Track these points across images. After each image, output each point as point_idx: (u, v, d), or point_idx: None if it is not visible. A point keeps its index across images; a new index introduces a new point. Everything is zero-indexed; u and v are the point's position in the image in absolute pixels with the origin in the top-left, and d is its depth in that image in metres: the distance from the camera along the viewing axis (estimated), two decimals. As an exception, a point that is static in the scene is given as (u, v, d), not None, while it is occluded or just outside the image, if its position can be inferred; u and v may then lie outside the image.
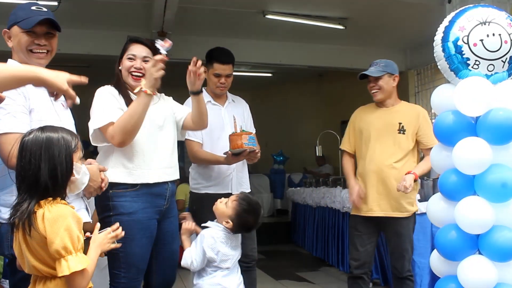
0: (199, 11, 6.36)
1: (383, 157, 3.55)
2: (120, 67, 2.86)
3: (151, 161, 2.77)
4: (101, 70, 5.85)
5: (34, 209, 1.88)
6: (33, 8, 2.43)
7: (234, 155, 3.36)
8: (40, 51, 2.42)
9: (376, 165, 3.57)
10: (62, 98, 2.55)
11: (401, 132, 3.55)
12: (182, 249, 7.14)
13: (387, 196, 3.53)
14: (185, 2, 5.79)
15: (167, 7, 5.66)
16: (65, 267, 1.83)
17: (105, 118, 2.66)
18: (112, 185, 2.63)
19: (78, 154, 2.04)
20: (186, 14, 6.21)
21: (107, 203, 2.66)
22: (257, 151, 3.40)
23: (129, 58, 2.84)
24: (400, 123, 3.57)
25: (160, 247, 2.83)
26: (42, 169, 1.90)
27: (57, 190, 1.93)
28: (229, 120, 3.64)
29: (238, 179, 3.62)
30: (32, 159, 1.92)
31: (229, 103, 3.78)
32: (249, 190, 3.73)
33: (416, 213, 3.59)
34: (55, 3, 5.44)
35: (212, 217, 3.33)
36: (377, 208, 3.55)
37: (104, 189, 2.52)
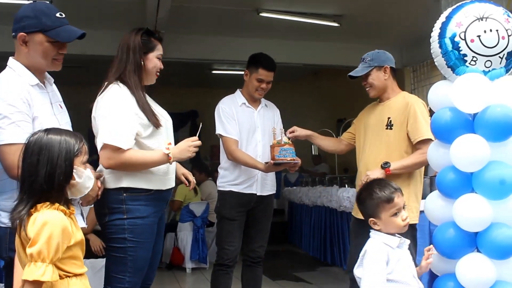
0: (193, 9, 6.35)
1: (371, 156, 3.40)
2: (141, 61, 2.76)
3: (172, 168, 2.82)
4: (95, 71, 5.85)
5: (30, 212, 1.88)
6: (58, 15, 2.40)
7: (275, 165, 3.53)
8: (60, 57, 2.44)
9: (364, 165, 3.43)
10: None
11: (388, 127, 3.36)
12: (176, 250, 7.11)
13: None
14: (178, 0, 5.78)
15: (160, 6, 5.65)
16: (26, 272, 1.82)
17: (121, 140, 2.57)
18: (125, 189, 2.63)
19: (81, 158, 2.04)
20: (179, 12, 6.20)
21: (120, 206, 2.63)
22: (292, 163, 3.55)
23: (158, 58, 2.82)
24: (388, 118, 3.37)
25: None
26: (40, 171, 1.91)
27: (54, 193, 1.93)
28: (260, 124, 3.80)
29: (262, 181, 3.76)
30: (32, 160, 1.92)
31: (262, 107, 3.90)
32: (273, 192, 3.90)
33: (413, 223, 3.28)
34: (47, 2, 5.43)
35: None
36: None
37: (99, 197, 2.53)
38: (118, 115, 2.60)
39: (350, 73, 3.49)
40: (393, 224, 2.44)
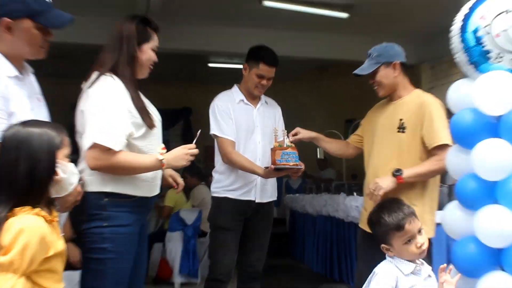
0: (189, -5, 6.35)
1: (380, 162, 3.37)
2: (135, 53, 2.74)
3: (160, 174, 2.83)
4: (78, 61, 5.85)
5: (7, 215, 1.87)
6: None
7: (276, 170, 3.48)
8: (46, 45, 2.43)
9: (373, 172, 3.41)
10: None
11: (401, 130, 3.31)
12: (164, 263, 7.10)
13: None
14: (172, -15, 5.79)
15: (152, -9, 5.65)
16: None
17: (113, 140, 2.55)
18: (108, 194, 2.62)
19: (64, 151, 2.03)
20: (173, -1, 6.20)
21: (100, 212, 2.60)
22: (295, 169, 3.52)
23: (153, 50, 2.82)
24: (400, 120, 3.33)
25: None
26: (20, 167, 1.90)
27: (36, 192, 1.91)
28: (260, 123, 3.80)
29: (261, 186, 3.76)
30: (10, 157, 1.91)
31: (262, 104, 3.91)
32: (274, 199, 3.91)
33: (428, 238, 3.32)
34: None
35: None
36: None
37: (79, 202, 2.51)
38: (112, 112, 2.58)
39: (355, 71, 3.47)
40: (407, 252, 2.43)
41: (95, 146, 2.53)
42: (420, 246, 2.42)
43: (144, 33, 2.79)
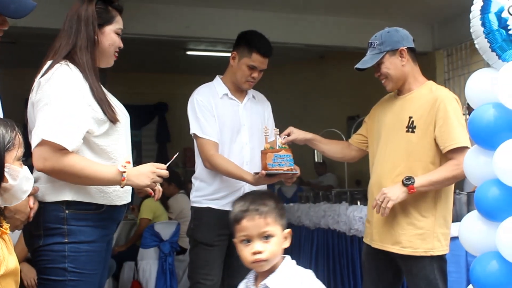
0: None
1: (387, 167, 3.39)
2: (95, 36, 2.75)
3: None
4: (31, 47, 5.83)
5: None
6: None
7: (267, 176, 3.47)
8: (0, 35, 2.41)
9: (377, 179, 3.44)
10: None
11: (410, 130, 3.33)
12: (136, 284, 7.09)
13: (387, 223, 3.34)
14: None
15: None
16: None
17: (67, 137, 2.52)
18: (69, 204, 2.60)
19: (14, 153, 2.01)
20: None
21: (59, 226, 2.59)
22: (289, 174, 3.52)
23: (117, 34, 2.81)
24: (410, 117, 3.35)
25: None
26: None
27: None
28: (247, 121, 3.81)
29: None
30: None
31: (249, 99, 3.91)
32: None
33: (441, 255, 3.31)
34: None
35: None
36: (376, 237, 3.43)
37: (31, 219, 2.49)
38: (67, 105, 2.56)
39: (357, 65, 3.48)
40: (240, 254, 2.25)
41: (44, 143, 2.50)
42: (255, 254, 2.21)
43: (106, 14, 2.80)
